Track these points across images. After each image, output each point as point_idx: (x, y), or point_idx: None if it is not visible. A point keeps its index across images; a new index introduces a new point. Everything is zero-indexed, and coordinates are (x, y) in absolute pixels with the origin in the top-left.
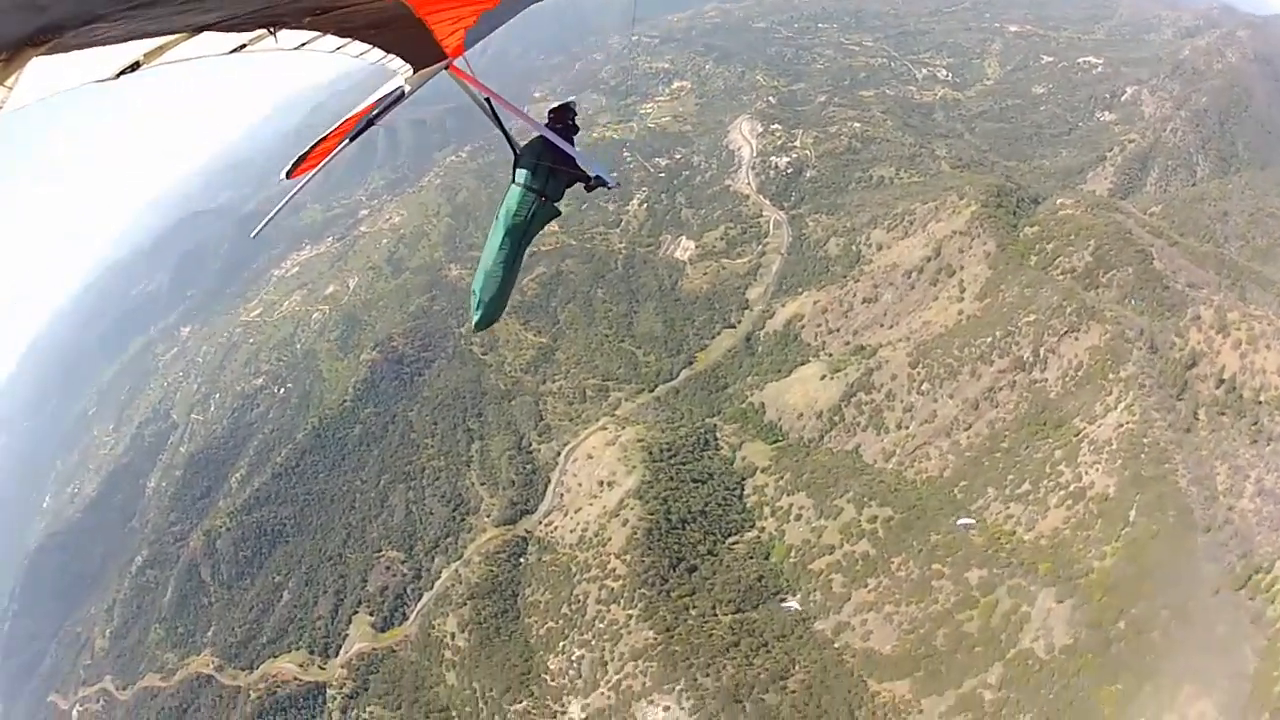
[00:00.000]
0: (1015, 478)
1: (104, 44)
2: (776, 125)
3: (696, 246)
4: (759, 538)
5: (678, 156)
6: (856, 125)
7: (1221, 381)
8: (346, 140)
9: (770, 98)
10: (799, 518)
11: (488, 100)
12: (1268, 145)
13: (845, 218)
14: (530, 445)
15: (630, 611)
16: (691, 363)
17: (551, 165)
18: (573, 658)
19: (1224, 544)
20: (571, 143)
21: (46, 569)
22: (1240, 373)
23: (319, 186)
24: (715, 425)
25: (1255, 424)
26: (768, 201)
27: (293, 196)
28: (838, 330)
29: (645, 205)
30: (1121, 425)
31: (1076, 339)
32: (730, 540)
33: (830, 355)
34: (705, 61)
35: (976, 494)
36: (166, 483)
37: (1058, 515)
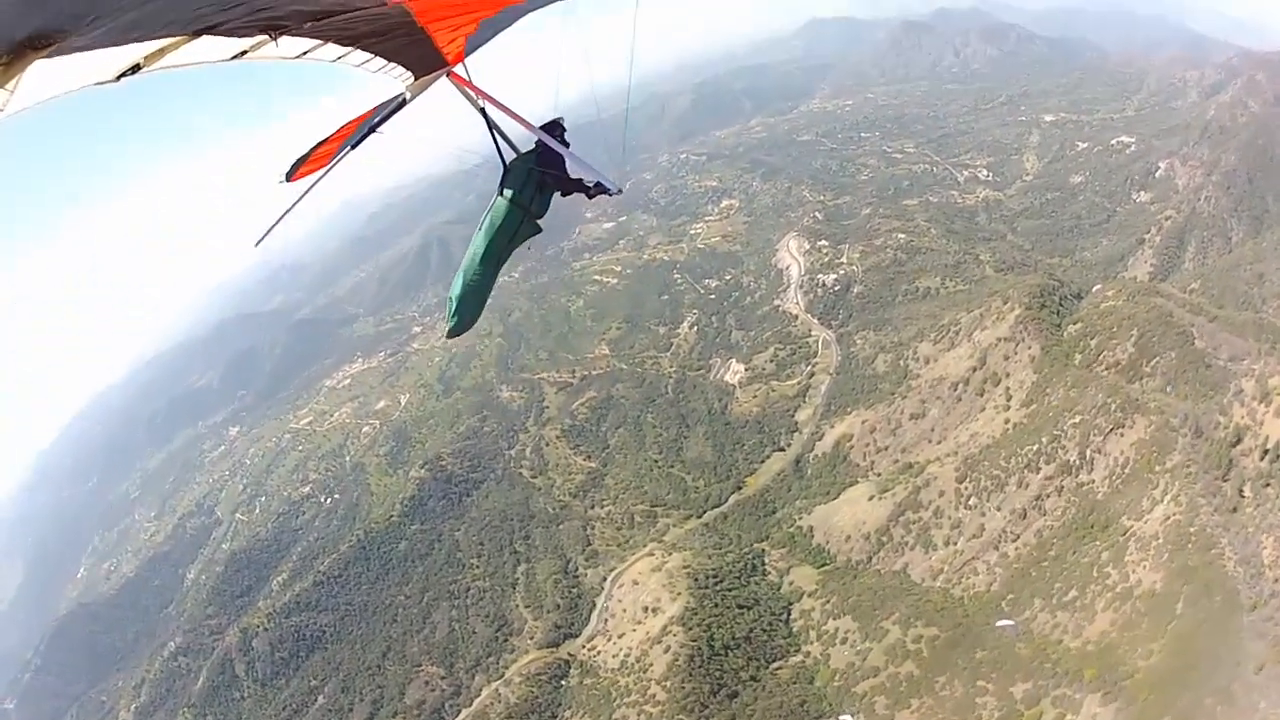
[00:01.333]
0: (1062, 585)
1: (104, 46)
2: (823, 241)
3: (746, 369)
4: (804, 662)
5: (727, 277)
6: (901, 236)
7: (1265, 452)
8: (347, 147)
9: (817, 213)
10: (844, 641)
11: (483, 110)
12: None
13: (892, 333)
14: (577, 569)
15: None
16: (740, 487)
17: (544, 174)
18: None
19: (1270, 617)
20: (564, 161)
21: (75, 634)
22: None
23: (373, 299)
24: (763, 550)
25: None
26: (816, 320)
27: (296, 204)
28: (886, 449)
29: (695, 328)
30: (1168, 518)
31: (1122, 435)
32: (774, 665)
33: (879, 475)
34: (752, 178)
35: (1024, 605)
36: (206, 576)
37: (1105, 619)
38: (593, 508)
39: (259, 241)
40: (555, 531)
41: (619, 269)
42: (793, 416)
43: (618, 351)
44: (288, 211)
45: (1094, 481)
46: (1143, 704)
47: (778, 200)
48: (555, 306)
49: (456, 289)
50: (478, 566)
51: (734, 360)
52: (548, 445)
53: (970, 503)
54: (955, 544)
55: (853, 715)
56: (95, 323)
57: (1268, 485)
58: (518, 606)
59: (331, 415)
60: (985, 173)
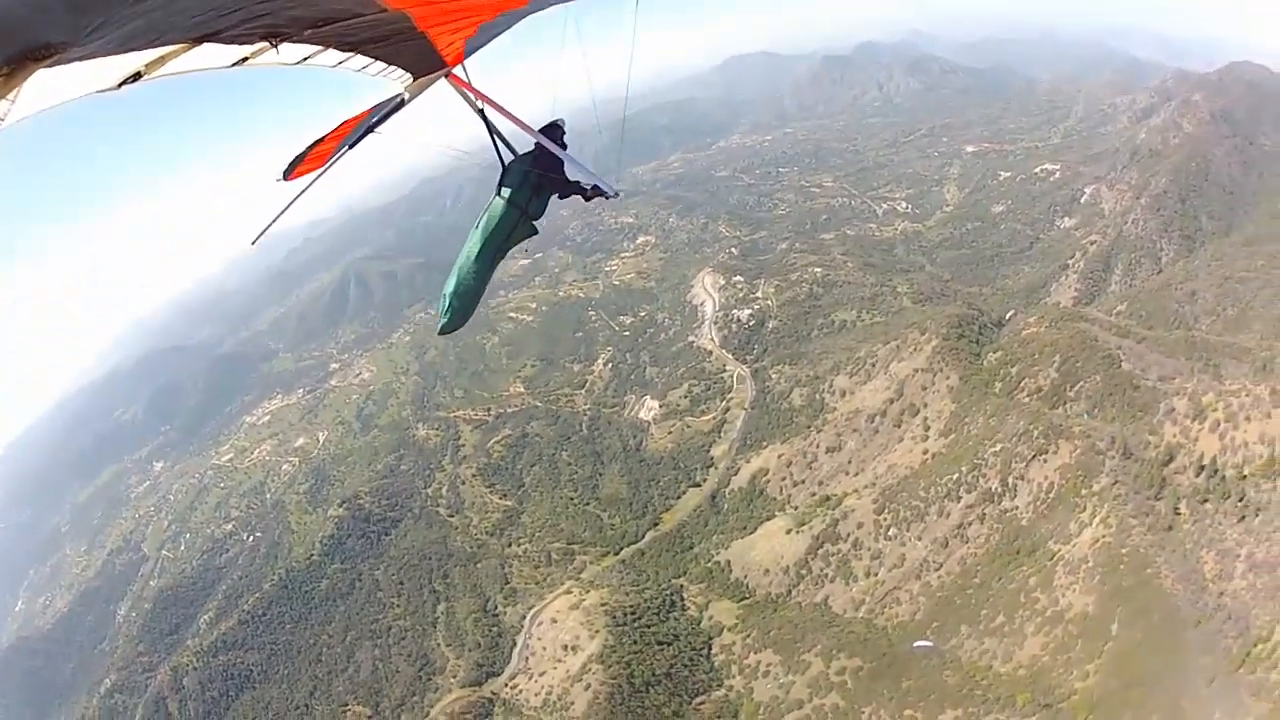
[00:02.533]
0: (989, 612)
1: (105, 55)
2: (739, 277)
3: (661, 405)
4: (726, 697)
5: (642, 314)
6: (817, 270)
7: (1202, 468)
8: (345, 146)
9: (732, 249)
10: (767, 674)
11: (481, 111)
12: (1231, 208)
13: (808, 366)
14: (496, 607)
15: None
16: (657, 524)
17: (542, 175)
18: None
19: (1217, 631)
20: (561, 164)
21: (16, 670)
22: (1221, 453)
23: (293, 334)
24: (681, 585)
25: (1241, 500)
26: (730, 356)
27: (294, 201)
28: (803, 482)
29: (610, 365)
30: (1097, 540)
31: (1045, 461)
32: (697, 700)
33: (796, 508)
34: (669, 214)
35: (949, 633)
36: (136, 613)
37: (1035, 643)
38: (510, 546)
39: (255, 240)
40: (473, 570)
41: (534, 305)
42: (708, 452)
43: (533, 389)
44: (284, 210)
45: (1018, 508)
46: None
47: (694, 236)
48: (470, 344)
49: (450, 286)
50: (398, 605)
51: (648, 397)
52: (464, 484)
53: (890, 533)
54: (876, 574)
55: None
56: (17, 359)
57: (1205, 501)
58: (439, 645)
59: (252, 452)
60: (904, 205)
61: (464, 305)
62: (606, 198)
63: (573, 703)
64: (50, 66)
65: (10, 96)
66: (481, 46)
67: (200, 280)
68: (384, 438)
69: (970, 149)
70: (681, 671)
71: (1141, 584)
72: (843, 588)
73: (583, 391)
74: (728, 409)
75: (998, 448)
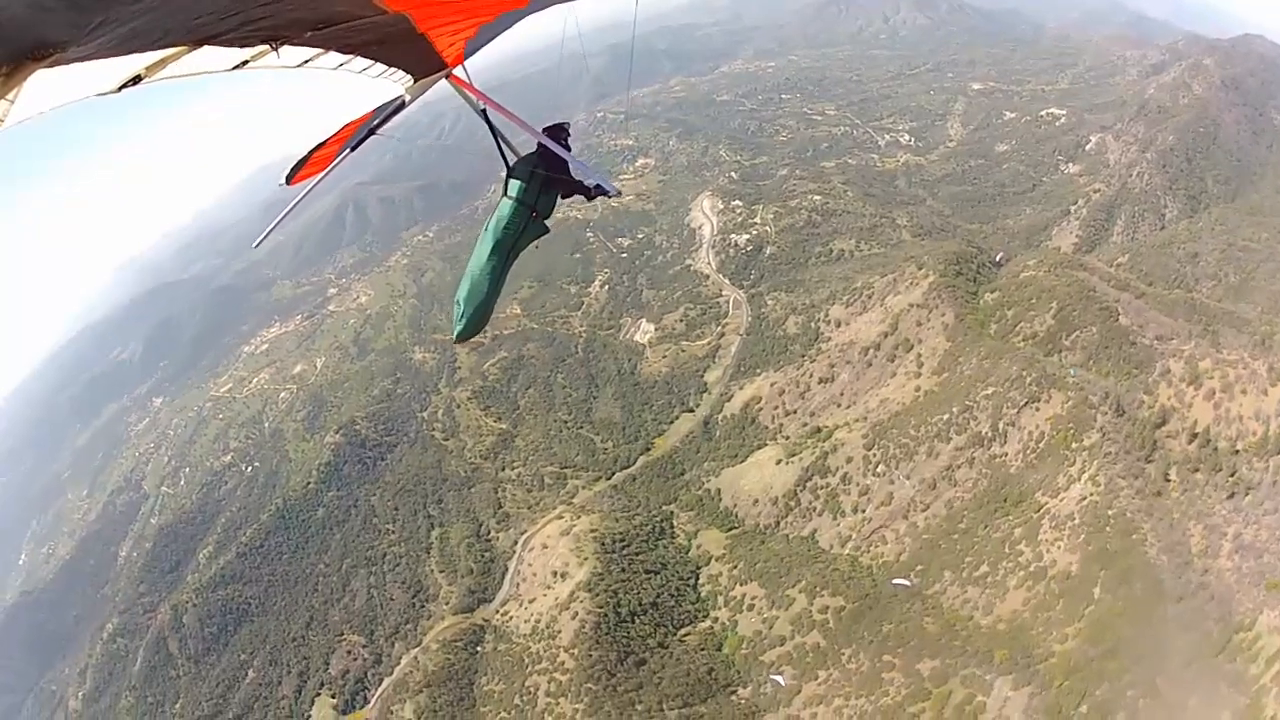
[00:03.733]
0: (973, 560)
1: (105, 57)
2: (737, 201)
3: (656, 329)
4: (712, 629)
5: (640, 236)
6: (817, 198)
7: (1194, 436)
8: (347, 149)
9: (732, 173)
10: (751, 608)
11: (483, 111)
12: (1238, 175)
13: (804, 294)
14: (489, 533)
15: (577, 706)
16: (649, 449)
17: (547, 175)
18: None
19: (1199, 610)
20: (566, 163)
21: (21, 625)
22: (1215, 423)
23: (290, 261)
24: (672, 513)
25: (1233, 475)
26: (727, 281)
27: (296, 204)
28: (795, 412)
29: (607, 287)
30: (1085, 498)
31: (1037, 409)
32: (682, 632)
33: (787, 438)
34: (669, 137)
35: (933, 578)
36: (137, 553)
37: (1017, 597)
38: (503, 469)
39: (258, 243)
40: (467, 495)
41: None
42: (702, 377)
43: (529, 311)
44: (286, 214)
45: (1006, 455)
46: (1057, 691)
47: (693, 160)
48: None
49: (463, 292)
50: (393, 532)
51: (644, 320)
52: (459, 407)
53: (879, 470)
54: (864, 511)
55: (782, 678)
56: (11, 308)
57: (1196, 471)
58: (433, 572)
59: (250, 381)
60: (907, 137)
61: (478, 310)
62: (609, 196)
63: (560, 631)
64: (50, 67)
65: (10, 96)
66: (482, 47)
67: (195, 214)
68: (381, 362)
69: (976, 86)
70: (668, 601)
71: (1126, 549)
72: (830, 522)
73: (579, 313)
74: (723, 334)
75: (990, 391)
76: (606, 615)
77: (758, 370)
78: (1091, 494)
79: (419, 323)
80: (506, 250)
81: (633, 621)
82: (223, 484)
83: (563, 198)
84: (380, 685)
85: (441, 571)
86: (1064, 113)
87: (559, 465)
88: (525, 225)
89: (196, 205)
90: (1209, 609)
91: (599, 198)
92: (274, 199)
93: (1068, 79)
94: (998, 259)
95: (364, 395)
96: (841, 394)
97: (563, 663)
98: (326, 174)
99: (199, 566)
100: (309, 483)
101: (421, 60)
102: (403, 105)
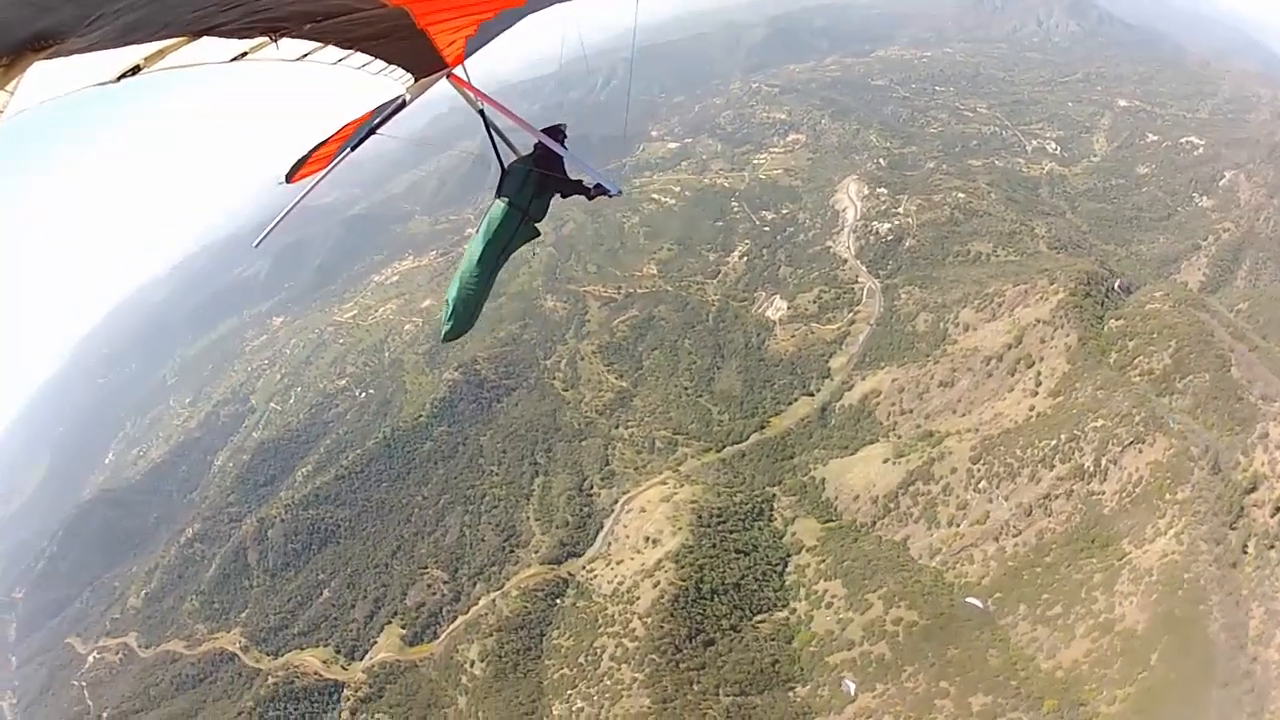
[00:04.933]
0: (1050, 598)
1: (104, 48)
2: (883, 189)
3: (789, 307)
4: (787, 620)
5: (784, 211)
6: (960, 196)
7: (1277, 510)
8: (347, 148)
9: (880, 159)
10: (830, 605)
11: (481, 111)
12: None
13: (938, 292)
14: (591, 488)
15: (637, 675)
16: (764, 427)
17: (544, 176)
18: (574, 708)
19: (1236, 700)
20: (563, 163)
21: (94, 521)
22: None
23: (430, 198)
24: (774, 495)
25: None
26: (864, 268)
27: (295, 204)
28: (910, 411)
29: (745, 259)
30: (1166, 555)
31: (1140, 451)
32: (758, 618)
33: (899, 437)
34: (822, 115)
35: (1008, 609)
36: (233, 464)
37: (1080, 647)
38: (616, 427)
39: (258, 243)
40: (577, 447)
41: (678, 190)
42: (826, 362)
43: (665, 273)
44: (286, 213)
45: (1104, 494)
46: None
47: (844, 141)
48: (610, 221)
49: (453, 292)
50: (496, 474)
51: (778, 296)
52: (583, 359)
53: (980, 486)
54: (958, 526)
55: (853, 686)
56: (144, 214)
57: (1271, 548)
58: (528, 519)
59: (376, 310)
60: (1053, 146)
61: (467, 311)
62: (609, 196)
63: (639, 597)
64: (49, 58)
65: (10, 88)
66: (483, 45)
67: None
68: (511, 305)
69: (1122, 103)
70: (751, 585)
71: (1192, 619)
72: (924, 531)
73: (714, 281)
74: (853, 321)
75: (1099, 424)
76: (687, 589)
77: (881, 363)
78: (1173, 552)
79: (554, 271)
80: (497, 253)
81: (711, 599)
82: (333, 406)
83: (563, 197)
84: (453, 623)
85: (537, 520)
86: (1202, 143)
87: (672, 431)
88: (517, 228)
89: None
90: (1245, 700)
91: (600, 196)
92: (422, 135)
93: (1208, 108)
94: (1116, 285)
95: (489, 336)
96: (959, 400)
97: (634, 629)
98: (326, 174)
99: (294, 484)
100: (421, 415)
101: (422, 58)
102: (403, 105)
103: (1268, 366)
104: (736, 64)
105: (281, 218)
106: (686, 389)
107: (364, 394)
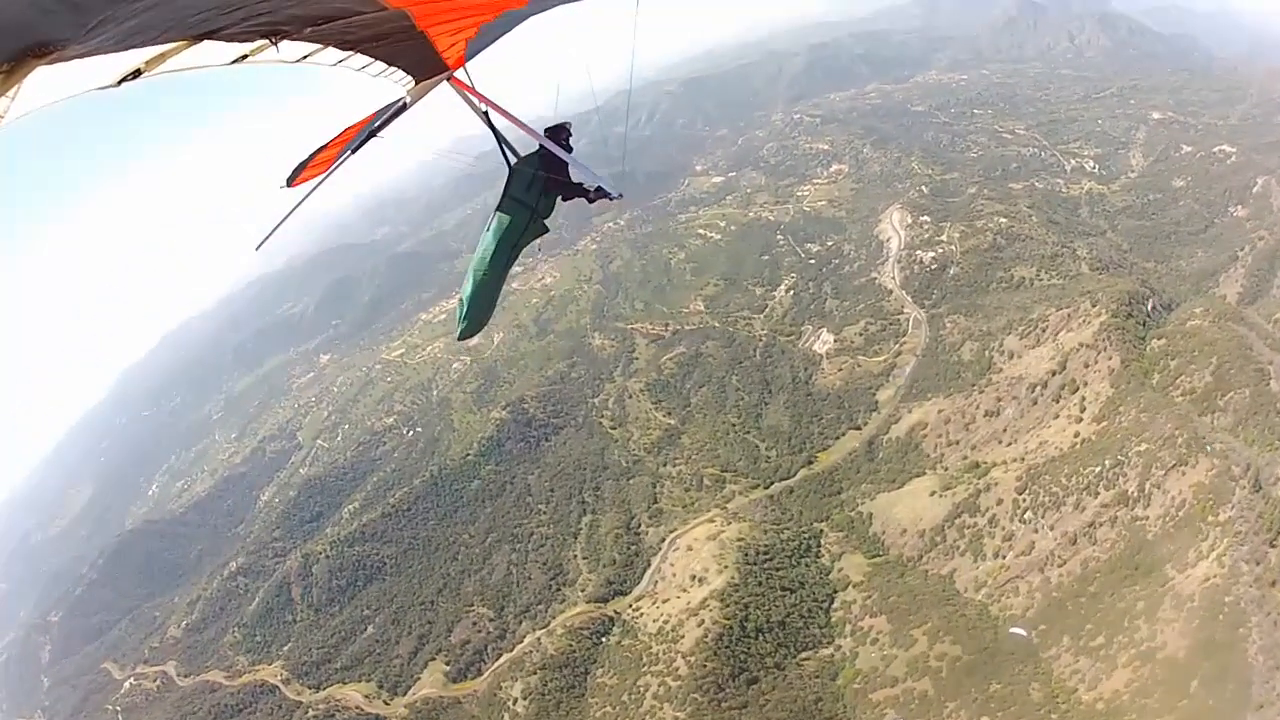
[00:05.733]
0: (1093, 628)
1: (105, 53)
2: (926, 217)
3: (835, 340)
4: (832, 656)
5: (829, 244)
6: (1003, 220)
7: None
8: (348, 151)
9: (923, 186)
10: (875, 641)
11: (485, 113)
12: None
13: (982, 320)
14: (639, 526)
15: (679, 714)
16: (811, 462)
17: (548, 178)
18: None
19: None
20: (566, 165)
21: (136, 551)
22: None
23: (476, 235)
24: (821, 531)
25: None
26: (909, 298)
27: (296, 208)
28: (957, 443)
29: (792, 292)
30: (1208, 579)
31: (1183, 474)
32: (803, 655)
33: (946, 469)
34: (864, 144)
35: (1051, 641)
36: (280, 499)
37: (1121, 677)
38: (664, 465)
39: (260, 245)
40: (625, 486)
41: (723, 225)
42: (874, 395)
43: (712, 308)
44: (288, 216)
45: (1148, 519)
46: None
47: (886, 169)
48: (656, 257)
49: (467, 290)
50: (544, 513)
51: (825, 330)
52: (631, 398)
53: (1025, 517)
54: (1003, 557)
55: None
56: (195, 247)
57: None
58: (575, 557)
59: (424, 349)
60: (1092, 164)
61: (481, 308)
62: (610, 199)
63: (683, 636)
64: (51, 64)
65: (10, 94)
66: (483, 49)
67: (387, 181)
68: (559, 344)
69: (1156, 115)
70: (796, 622)
71: (1231, 643)
72: (970, 564)
73: (761, 316)
74: (899, 353)
75: (1143, 448)
76: (731, 628)
77: (928, 394)
78: (1215, 575)
79: (602, 309)
80: (508, 250)
81: (756, 638)
82: (380, 444)
83: (563, 200)
84: (498, 660)
85: (584, 558)
86: (1235, 150)
87: (720, 468)
88: (527, 225)
89: (392, 170)
90: None
91: (600, 200)
92: (469, 172)
93: (1238, 114)
94: (1150, 307)
95: (538, 375)
96: (1005, 430)
97: (677, 668)
98: (326, 177)
99: (340, 521)
100: (469, 454)
101: (422, 60)
102: (404, 108)
103: None
104: (779, 94)
105: (282, 221)
106: (734, 425)
107: (411, 432)
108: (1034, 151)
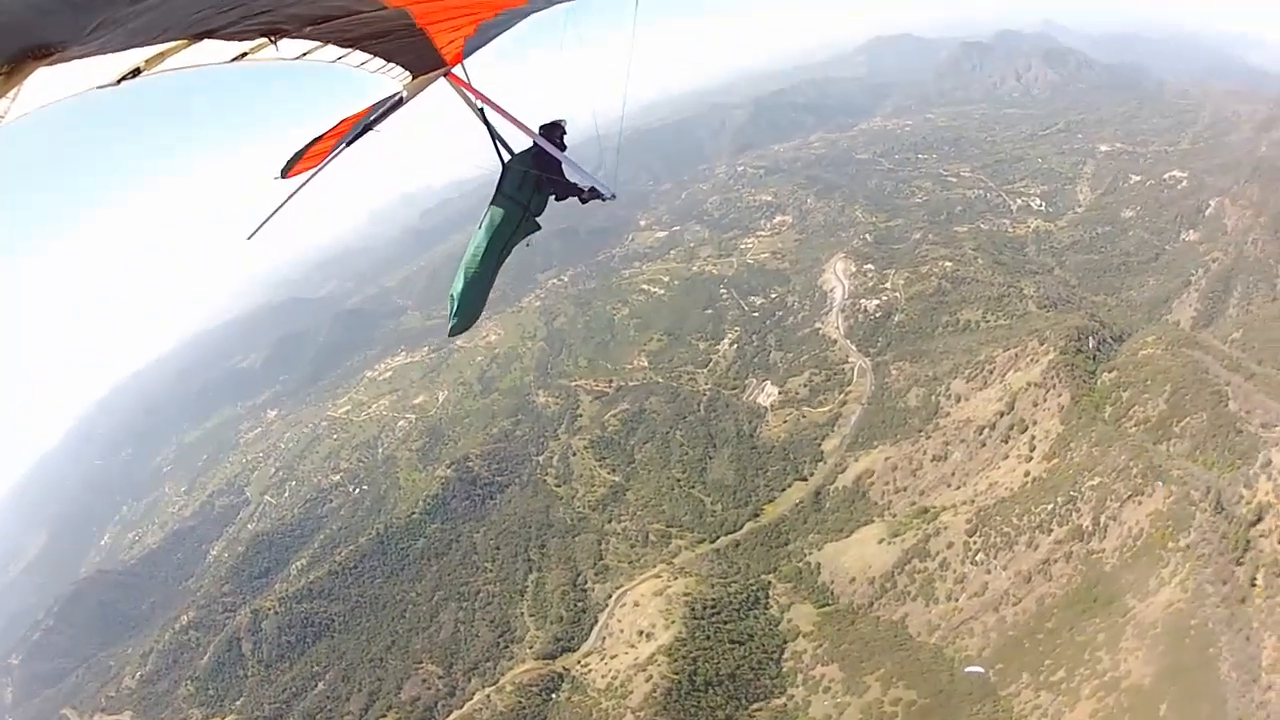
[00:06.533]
0: (1052, 663)
1: (105, 53)
2: (870, 265)
3: (780, 392)
4: (785, 706)
5: (773, 296)
6: (948, 264)
7: None
8: (343, 144)
9: (867, 234)
10: (827, 690)
11: (481, 110)
12: None
13: (928, 365)
14: (585, 583)
15: None
16: (758, 515)
17: (540, 176)
18: None
19: None
20: (560, 165)
21: (90, 600)
22: None
23: (423, 293)
24: (769, 583)
25: None
26: (854, 347)
27: (290, 198)
28: (904, 490)
29: (735, 346)
30: (1171, 604)
31: (1139, 504)
32: (754, 707)
33: (894, 516)
34: (808, 195)
35: (1010, 678)
36: (229, 554)
37: (1085, 709)
38: (610, 522)
39: (251, 235)
40: (570, 543)
41: (667, 279)
42: (819, 445)
43: (656, 364)
44: (280, 207)
45: (1104, 551)
46: None
47: (830, 219)
48: (600, 314)
49: (458, 287)
50: (490, 570)
51: (769, 382)
52: (575, 455)
53: (978, 558)
54: (956, 600)
55: None
56: (146, 297)
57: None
58: (523, 614)
59: (370, 406)
60: (1038, 202)
61: (471, 305)
62: (603, 200)
63: (631, 692)
64: (51, 65)
65: (10, 95)
66: (481, 46)
67: (334, 236)
68: (503, 401)
69: (1104, 148)
70: (747, 674)
71: (1200, 665)
72: (922, 609)
73: (705, 370)
74: (844, 402)
75: (1096, 482)
76: (680, 682)
77: (875, 442)
78: (1178, 600)
79: (546, 366)
80: (500, 247)
81: (706, 691)
82: (327, 501)
83: (557, 199)
84: (448, 717)
85: (531, 615)
86: (1185, 175)
87: (665, 523)
88: (519, 223)
89: (335, 229)
90: None
91: (593, 200)
92: (415, 228)
93: (1188, 138)
94: (1092, 344)
95: (482, 433)
96: (953, 474)
97: None
98: (321, 169)
99: (289, 576)
100: (414, 512)
101: (420, 57)
102: (401, 102)
103: (1266, 393)
104: (723, 146)
105: (274, 213)
106: (679, 480)
107: (358, 490)
108: (979, 193)
